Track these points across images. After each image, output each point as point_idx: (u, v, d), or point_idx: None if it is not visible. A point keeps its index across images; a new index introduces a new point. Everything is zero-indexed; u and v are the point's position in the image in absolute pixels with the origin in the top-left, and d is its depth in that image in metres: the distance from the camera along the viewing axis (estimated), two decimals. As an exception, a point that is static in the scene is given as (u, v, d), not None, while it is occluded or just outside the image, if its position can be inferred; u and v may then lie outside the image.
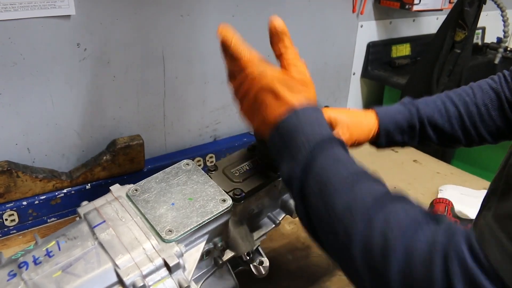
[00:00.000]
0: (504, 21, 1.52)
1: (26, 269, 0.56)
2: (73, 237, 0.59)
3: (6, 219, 0.97)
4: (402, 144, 0.82)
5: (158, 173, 0.69)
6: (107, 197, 0.65)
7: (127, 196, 0.65)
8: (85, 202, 0.65)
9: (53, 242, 0.59)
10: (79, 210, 0.63)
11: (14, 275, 0.55)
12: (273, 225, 0.75)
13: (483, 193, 1.16)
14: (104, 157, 1.05)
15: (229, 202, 0.63)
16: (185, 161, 0.70)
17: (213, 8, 1.12)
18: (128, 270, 0.56)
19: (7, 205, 0.96)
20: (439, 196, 1.15)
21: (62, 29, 0.93)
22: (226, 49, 0.66)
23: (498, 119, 0.78)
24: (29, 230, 1.00)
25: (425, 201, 1.16)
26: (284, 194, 0.76)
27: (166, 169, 0.69)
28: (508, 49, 1.65)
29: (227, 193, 0.65)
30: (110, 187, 0.67)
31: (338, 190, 0.49)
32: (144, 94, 1.10)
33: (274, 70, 0.63)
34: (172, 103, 1.15)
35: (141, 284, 0.55)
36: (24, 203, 0.98)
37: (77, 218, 0.67)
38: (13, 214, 0.97)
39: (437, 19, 1.63)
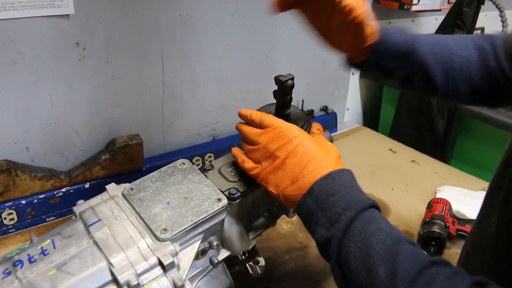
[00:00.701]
0: (502, 21, 1.51)
1: (21, 267, 0.56)
2: (68, 236, 0.60)
3: (5, 218, 0.97)
4: (388, 75, 0.77)
5: (154, 172, 0.69)
6: (103, 196, 0.66)
7: (123, 195, 0.65)
8: (80, 201, 0.66)
9: (48, 241, 0.59)
10: (74, 209, 0.64)
11: (9, 273, 0.56)
12: (270, 225, 0.75)
13: (481, 193, 1.17)
14: (103, 157, 1.06)
15: (224, 201, 0.64)
16: (181, 160, 0.70)
17: (212, 8, 1.12)
18: (123, 268, 0.56)
19: (6, 204, 0.97)
20: (437, 196, 1.15)
21: (62, 28, 0.94)
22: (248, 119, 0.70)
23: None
24: (28, 229, 1.01)
25: (423, 202, 1.16)
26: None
27: (162, 168, 0.69)
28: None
29: (222, 192, 0.65)
30: (106, 186, 0.67)
31: (382, 257, 0.50)
32: (143, 94, 1.10)
33: (305, 133, 0.65)
34: (171, 103, 1.15)
35: (135, 282, 0.55)
36: (23, 202, 0.99)
37: (73, 217, 0.68)
38: (12, 213, 0.98)
39: (436, 19, 1.63)
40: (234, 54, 1.22)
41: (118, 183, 1.08)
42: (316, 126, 0.72)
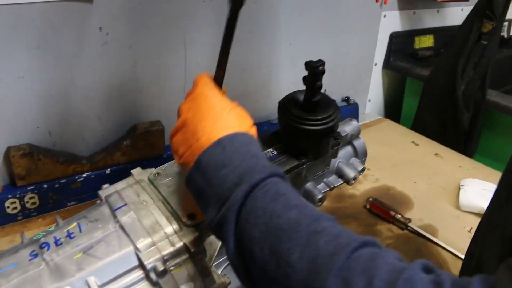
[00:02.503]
0: (533, 13, 1.47)
1: (48, 249, 0.56)
2: (94, 220, 0.59)
3: (27, 202, 0.97)
4: None
5: (180, 157, 0.68)
6: (128, 180, 0.65)
7: (149, 180, 0.65)
8: (106, 185, 0.65)
9: (74, 224, 0.59)
10: (100, 192, 0.63)
11: (36, 255, 0.55)
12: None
13: (507, 188, 1.14)
14: (124, 142, 1.05)
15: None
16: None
17: (236, -6, 1.10)
18: (149, 254, 0.56)
19: (28, 188, 0.97)
20: (462, 191, 1.13)
21: (85, 12, 0.93)
22: None
23: None
24: (49, 213, 1.01)
25: (447, 196, 1.14)
26: (307, 183, 0.75)
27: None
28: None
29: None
30: (131, 171, 0.66)
31: (295, 240, 0.40)
32: (165, 80, 1.09)
33: (220, 92, 0.58)
34: (192, 90, 1.14)
35: (162, 268, 0.55)
36: (45, 186, 0.99)
37: (98, 201, 0.67)
38: (34, 197, 0.98)
39: (462, 10, 1.60)
40: (256, 42, 1.20)
41: (138, 169, 1.08)
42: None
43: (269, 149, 0.70)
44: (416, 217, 1.06)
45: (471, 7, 1.37)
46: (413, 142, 1.38)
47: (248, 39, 1.18)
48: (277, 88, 1.30)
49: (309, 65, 0.65)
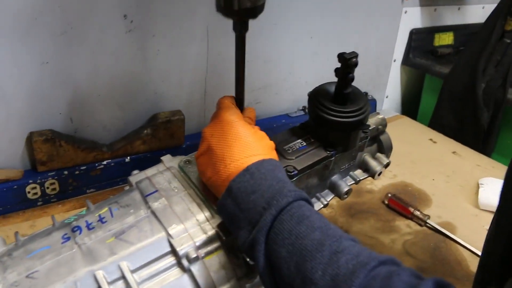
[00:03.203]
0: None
1: (80, 233, 0.56)
2: (126, 205, 0.59)
3: (48, 187, 0.98)
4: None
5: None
6: (159, 167, 0.65)
7: (179, 167, 0.65)
8: (136, 171, 0.65)
9: (106, 209, 0.59)
10: (130, 178, 0.63)
11: (68, 238, 0.56)
12: (321, 206, 0.74)
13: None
14: (145, 131, 1.05)
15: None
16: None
17: (260, -14, 1.10)
18: (182, 240, 0.56)
19: (48, 174, 0.97)
20: (481, 189, 1.12)
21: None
22: None
23: None
24: (69, 199, 1.01)
25: (465, 194, 1.14)
26: (333, 175, 0.74)
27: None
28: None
29: (279, 169, 0.64)
30: (161, 157, 0.66)
31: (319, 259, 0.44)
32: (186, 70, 1.09)
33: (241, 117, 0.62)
34: (213, 80, 1.14)
35: (194, 255, 0.55)
36: (65, 172, 0.99)
37: (126, 187, 0.67)
38: (54, 183, 0.98)
39: (483, 8, 1.58)
40: (279, 35, 1.20)
41: (157, 158, 1.08)
42: (248, 113, 0.68)
43: (298, 140, 0.70)
44: (435, 214, 1.05)
45: (493, 5, 1.35)
46: (430, 139, 1.37)
47: (270, 32, 1.18)
48: (296, 81, 1.30)
49: (342, 57, 0.64)
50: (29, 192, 0.96)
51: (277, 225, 0.49)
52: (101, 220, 0.57)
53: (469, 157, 1.30)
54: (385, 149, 0.82)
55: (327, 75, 1.34)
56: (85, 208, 0.62)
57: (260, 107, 1.27)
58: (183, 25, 1.04)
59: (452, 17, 1.58)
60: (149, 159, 1.07)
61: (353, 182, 0.78)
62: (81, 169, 1.00)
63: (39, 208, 0.98)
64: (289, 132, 0.72)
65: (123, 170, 1.06)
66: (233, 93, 1.20)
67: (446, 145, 1.35)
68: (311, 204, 0.53)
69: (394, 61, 1.51)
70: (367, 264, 0.42)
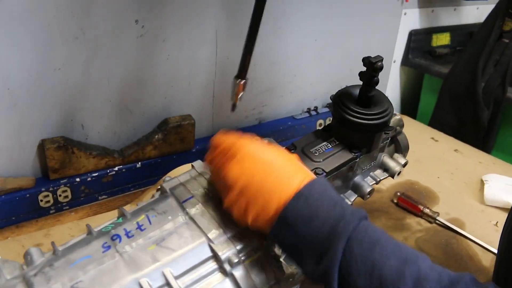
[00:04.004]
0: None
1: (120, 241, 0.56)
2: (163, 212, 0.59)
3: (60, 195, 0.97)
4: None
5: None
6: (191, 173, 0.65)
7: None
8: (168, 177, 0.65)
9: (143, 216, 0.59)
10: (164, 185, 0.63)
11: (109, 247, 0.55)
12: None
13: (530, 184, 1.16)
14: (156, 136, 1.05)
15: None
16: (266, 139, 0.69)
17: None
18: (223, 245, 0.56)
19: (61, 181, 0.96)
20: (486, 185, 1.15)
21: (122, 4, 0.92)
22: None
23: None
24: (81, 207, 1.00)
25: (470, 190, 1.16)
26: (356, 176, 0.76)
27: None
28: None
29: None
30: (192, 163, 0.66)
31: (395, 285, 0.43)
32: (195, 74, 1.09)
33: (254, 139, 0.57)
34: (221, 84, 1.14)
35: (236, 260, 0.55)
36: (77, 179, 0.98)
37: (155, 194, 0.67)
38: (66, 190, 0.97)
39: (477, 8, 1.62)
40: (284, 37, 1.21)
41: (167, 163, 1.09)
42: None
43: (324, 143, 0.71)
44: (443, 211, 1.07)
45: (487, 6, 1.39)
46: (432, 138, 1.40)
47: (276, 35, 1.18)
48: (301, 84, 1.31)
49: (368, 60, 0.65)
50: (41, 201, 0.95)
51: (347, 254, 0.46)
52: (139, 227, 0.57)
53: (471, 155, 1.33)
54: (402, 149, 0.84)
55: (330, 77, 1.37)
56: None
57: (266, 110, 1.28)
58: (193, 29, 1.04)
59: (448, 18, 1.61)
60: (160, 165, 1.07)
61: (374, 182, 0.79)
62: (93, 176, 1.00)
63: (52, 217, 0.97)
64: (313, 135, 0.73)
65: (134, 176, 1.06)
66: (242, 97, 1.21)
67: (447, 144, 1.37)
68: (369, 220, 0.51)
69: (394, 62, 1.53)
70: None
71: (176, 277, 0.54)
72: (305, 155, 0.69)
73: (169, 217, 0.58)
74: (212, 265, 0.56)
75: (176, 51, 1.03)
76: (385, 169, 0.81)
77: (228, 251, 0.55)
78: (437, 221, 1.05)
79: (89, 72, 0.94)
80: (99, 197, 1.03)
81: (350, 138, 0.71)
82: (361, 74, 0.68)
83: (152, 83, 1.04)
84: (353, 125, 0.68)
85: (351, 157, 0.70)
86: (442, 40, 1.61)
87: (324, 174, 0.66)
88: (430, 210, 1.06)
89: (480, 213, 1.10)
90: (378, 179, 0.80)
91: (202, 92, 1.13)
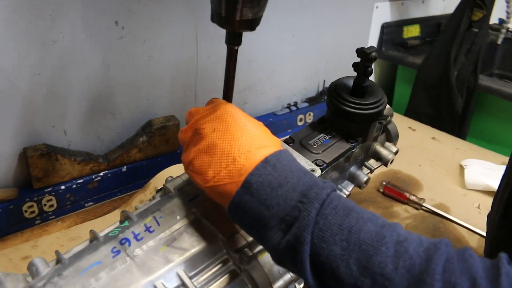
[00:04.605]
0: (507, 1, 1.56)
1: (129, 245, 0.54)
2: (170, 212, 0.58)
3: (45, 205, 0.93)
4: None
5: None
6: (193, 171, 0.64)
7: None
8: (170, 177, 0.64)
9: (150, 218, 0.58)
10: (167, 185, 0.62)
11: (118, 251, 0.54)
12: (344, 197, 0.75)
13: (504, 167, 1.21)
14: (141, 139, 1.03)
15: (318, 171, 0.63)
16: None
17: (244, -14, 1.10)
18: (235, 241, 0.55)
19: (45, 190, 0.93)
20: (466, 170, 1.18)
21: (101, 6, 0.90)
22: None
23: None
24: (67, 215, 0.97)
25: (451, 176, 1.20)
26: (352, 166, 0.76)
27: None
28: (510, 30, 1.71)
29: (308, 164, 0.65)
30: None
31: (380, 251, 0.40)
32: (177, 74, 1.08)
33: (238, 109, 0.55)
34: (203, 83, 1.13)
35: (250, 254, 0.55)
36: (62, 187, 0.95)
37: (155, 195, 0.66)
38: (51, 199, 0.94)
39: (443, 0, 1.67)
40: (261, 34, 1.20)
41: (153, 165, 1.07)
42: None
43: (321, 134, 0.71)
44: (427, 197, 1.10)
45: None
46: (410, 127, 1.43)
47: (253, 32, 1.18)
48: (280, 80, 1.31)
49: (362, 51, 0.66)
50: (26, 211, 0.92)
51: (321, 220, 0.43)
52: (148, 229, 0.56)
53: (448, 142, 1.37)
54: (393, 137, 0.85)
55: (307, 72, 1.38)
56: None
57: (247, 107, 1.28)
58: (173, 30, 1.02)
59: (417, 10, 1.65)
60: (145, 167, 1.05)
61: (369, 171, 0.80)
62: (78, 182, 0.97)
63: (38, 227, 0.93)
64: (310, 128, 0.73)
65: (120, 180, 1.03)
66: (220, 93, 1.20)
67: (425, 132, 1.41)
68: (336, 191, 0.49)
69: (368, 54, 1.55)
70: (436, 248, 0.40)
71: (191, 277, 0.53)
72: (304, 147, 0.69)
73: (177, 217, 0.57)
74: (226, 261, 0.55)
75: (157, 51, 1.02)
76: (378, 158, 0.82)
77: (241, 247, 0.55)
78: (423, 207, 1.07)
79: (69, 77, 0.91)
80: (86, 204, 1.00)
81: (346, 129, 0.72)
82: (355, 65, 0.69)
83: (134, 85, 1.02)
84: (349, 115, 0.69)
85: (348, 147, 0.70)
86: (412, 32, 1.65)
87: (325, 165, 0.66)
88: (416, 197, 1.08)
89: (462, 197, 1.13)
90: (373, 168, 0.81)
91: (185, 92, 1.11)
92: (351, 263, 0.41)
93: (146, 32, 0.98)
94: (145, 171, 1.05)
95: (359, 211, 0.45)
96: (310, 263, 0.43)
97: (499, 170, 1.18)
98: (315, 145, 0.69)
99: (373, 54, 0.66)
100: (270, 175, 0.47)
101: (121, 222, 0.60)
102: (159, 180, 1.00)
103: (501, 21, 1.75)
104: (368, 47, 0.67)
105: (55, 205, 0.95)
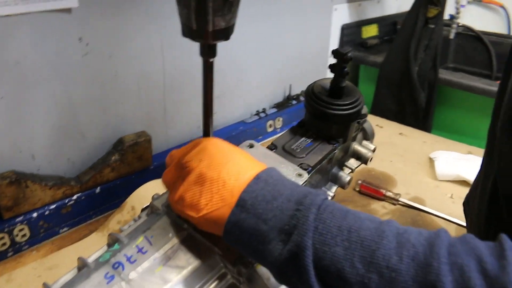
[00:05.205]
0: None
1: (123, 269, 0.52)
2: (161, 230, 0.56)
3: (17, 235, 0.89)
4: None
5: (225, 157, 0.66)
6: (180, 186, 0.62)
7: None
8: (156, 195, 0.62)
9: (141, 238, 0.55)
10: (155, 203, 0.60)
11: (112, 277, 0.52)
12: (329, 198, 0.76)
13: (471, 156, 1.26)
14: (113, 157, 1.00)
15: (306, 175, 0.63)
16: (247, 141, 0.68)
17: (206, -4, 1.10)
18: (231, 254, 0.54)
19: (16, 219, 0.89)
20: (436, 162, 1.22)
21: (64, 23, 0.87)
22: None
23: None
24: (42, 244, 0.93)
25: (422, 169, 1.23)
26: (333, 167, 0.77)
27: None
28: (460, 25, 1.78)
29: (293, 168, 0.64)
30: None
31: (382, 245, 0.41)
32: (145, 89, 1.05)
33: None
34: (172, 96, 1.11)
35: (248, 265, 0.54)
36: (34, 214, 0.91)
37: (141, 214, 0.64)
38: (23, 229, 0.90)
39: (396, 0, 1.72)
40: (226, 43, 1.20)
41: (127, 184, 1.04)
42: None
43: (302, 138, 0.71)
44: (403, 192, 1.12)
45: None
46: (377, 125, 1.46)
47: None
48: (248, 87, 1.31)
49: (338, 52, 0.67)
50: (-4, 244, 0.87)
51: (320, 224, 0.43)
52: (140, 250, 0.54)
53: (415, 136, 1.40)
54: (369, 135, 0.86)
55: (273, 78, 1.39)
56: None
57: (217, 117, 1.27)
58: (138, 43, 1.00)
59: (373, 10, 1.70)
60: (120, 186, 1.02)
61: (350, 171, 0.81)
62: (51, 208, 0.93)
63: (11, 259, 0.89)
64: (290, 133, 0.73)
65: (95, 202, 1.00)
66: (192, 106, 1.19)
67: (392, 128, 1.44)
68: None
69: (330, 57, 1.58)
70: (437, 235, 0.40)
71: (191, 295, 0.51)
72: (287, 152, 0.69)
73: (170, 235, 0.55)
74: (224, 275, 0.54)
75: (123, 66, 0.99)
76: (358, 157, 0.82)
77: (238, 259, 0.54)
78: (399, 202, 1.10)
79: (35, 98, 0.88)
80: (60, 230, 0.96)
81: (326, 131, 0.72)
82: (332, 66, 0.69)
83: (102, 102, 0.99)
84: (329, 117, 0.69)
85: (331, 149, 0.71)
86: (370, 31, 1.69)
87: (310, 168, 0.66)
88: (392, 192, 1.10)
89: (435, 189, 1.16)
90: (354, 168, 0.81)
91: (154, 106, 1.09)
92: (355, 261, 0.41)
93: (111, 47, 0.96)
94: (119, 190, 1.02)
95: (355, 212, 0.45)
96: (315, 269, 0.43)
97: (466, 160, 1.23)
98: (297, 149, 0.69)
99: (349, 55, 0.67)
100: (263, 189, 0.47)
101: (109, 245, 0.58)
102: (135, 198, 0.98)
103: (452, 17, 1.82)
104: (343, 48, 0.67)
105: (28, 234, 0.91)
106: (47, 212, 0.92)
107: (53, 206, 0.93)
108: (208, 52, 0.56)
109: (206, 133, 0.63)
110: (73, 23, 0.88)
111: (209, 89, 0.60)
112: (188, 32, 0.53)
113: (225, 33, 0.55)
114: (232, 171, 0.50)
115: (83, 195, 0.97)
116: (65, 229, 0.96)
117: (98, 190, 0.99)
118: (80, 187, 0.97)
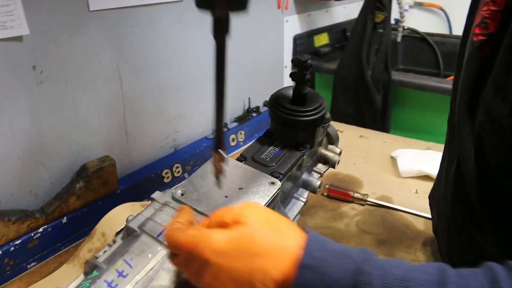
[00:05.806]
0: (399, 3, 1.70)
1: (105, 295, 0.51)
2: (140, 251, 0.55)
3: (-19, 276, 0.85)
4: None
5: (196, 171, 0.66)
6: (154, 205, 0.62)
7: (175, 199, 0.62)
8: (130, 217, 0.61)
9: (120, 261, 0.54)
10: (130, 224, 0.59)
11: (94, 304, 0.50)
12: (302, 204, 0.77)
13: (431, 152, 1.30)
14: (77, 185, 0.97)
15: (278, 183, 0.64)
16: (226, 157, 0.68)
17: (160, 16, 1.10)
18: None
19: (-21, 259, 0.85)
20: (398, 161, 1.25)
21: (16, 52, 0.85)
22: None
23: None
24: (9, 282, 0.89)
25: (385, 168, 1.27)
26: (303, 173, 0.78)
27: (203, 165, 0.67)
28: (405, 28, 1.86)
29: (266, 177, 0.65)
30: (152, 196, 0.63)
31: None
32: (105, 113, 1.04)
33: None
34: (132, 118, 1.10)
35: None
36: (-1, 252, 0.87)
37: (116, 238, 0.62)
38: (-13, 268, 0.86)
39: (344, 8, 1.78)
40: (183, 61, 1.20)
41: (94, 211, 1.02)
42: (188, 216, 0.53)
43: (270, 147, 0.72)
44: (369, 192, 1.15)
45: (352, 4, 1.54)
46: (337, 130, 1.48)
47: (174, 59, 1.18)
48: (208, 104, 1.31)
49: (298, 60, 0.69)
50: (-40, 288, 0.83)
51: None
52: (121, 274, 0.53)
53: (375, 137, 1.44)
54: (334, 139, 0.89)
55: (232, 92, 1.40)
56: (79, 277, 0.56)
57: (179, 135, 1.26)
58: (95, 67, 0.99)
59: (323, 19, 1.74)
60: (86, 214, 1.00)
61: (319, 175, 0.82)
62: (16, 244, 0.89)
63: (-23, 302, 0.85)
64: (258, 143, 0.74)
65: (62, 233, 0.97)
66: (153, 127, 1.18)
67: (352, 132, 1.47)
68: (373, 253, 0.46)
69: (286, 67, 1.61)
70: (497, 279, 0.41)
71: (177, 314, 0.50)
72: (257, 162, 0.69)
73: (149, 255, 0.55)
74: (208, 290, 0.54)
75: (80, 92, 0.97)
76: (325, 161, 0.84)
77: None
78: (368, 202, 1.12)
79: (-11, 131, 0.85)
80: (28, 266, 0.92)
81: (293, 138, 0.73)
82: (293, 75, 0.71)
83: (61, 130, 0.96)
84: (296, 124, 0.71)
85: (299, 155, 0.72)
86: (322, 40, 1.74)
87: (281, 176, 0.67)
88: (360, 193, 1.13)
89: (400, 186, 1.20)
90: (322, 172, 0.83)
91: (115, 130, 1.07)
92: None
93: (67, 73, 0.94)
94: (87, 218, 0.99)
95: (408, 273, 0.42)
96: None
97: (426, 155, 1.28)
98: (267, 158, 0.70)
99: (309, 62, 0.69)
100: (314, 280, 0.43)
101: (87, 273, 0.56)
102: (105, 224, 0.95)
103: (397, 21, 1.90)
104: (302, 56, 0.69)
105: (-7, 274, 0.87)
106: (12, 249, 0.88)
107: (18, 242, 0.89)
108: (220, 28, 0.51)
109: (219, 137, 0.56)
110: (26, 51, 0.86)
111: (222, 78, 0.54)
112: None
113: (243, 3, 0.50)
114: (267, 252, 0.45)
115: (49, 226, 0.94)
116: (33, 264, 0.92)
117: (64, 220, 0.96)
118: (45, 218, 0.93)
